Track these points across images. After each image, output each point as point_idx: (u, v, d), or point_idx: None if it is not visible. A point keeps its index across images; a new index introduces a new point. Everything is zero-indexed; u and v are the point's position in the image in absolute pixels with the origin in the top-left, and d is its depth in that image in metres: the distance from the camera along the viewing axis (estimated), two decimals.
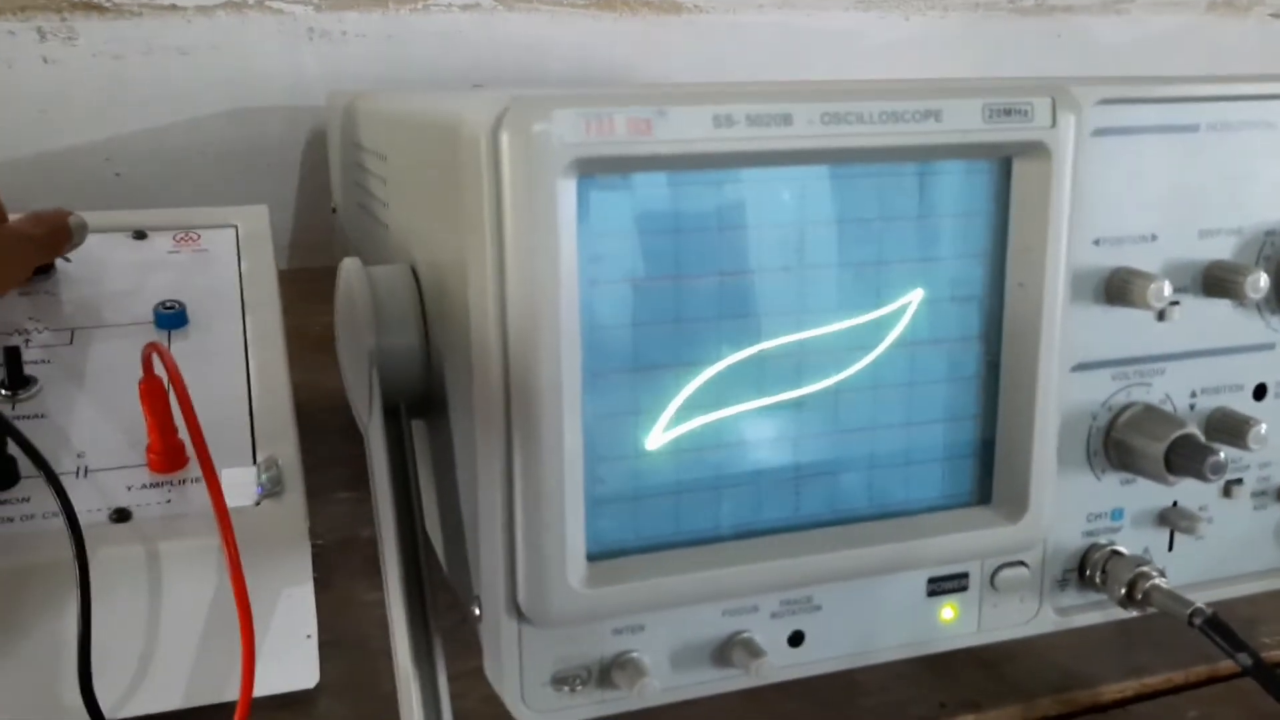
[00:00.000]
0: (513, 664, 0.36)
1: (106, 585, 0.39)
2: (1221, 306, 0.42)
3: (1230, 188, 0.41)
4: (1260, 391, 0.44)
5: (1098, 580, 0.43)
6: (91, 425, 0.45)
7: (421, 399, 0.42)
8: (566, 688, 0.36)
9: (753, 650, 0.37)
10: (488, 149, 0.32)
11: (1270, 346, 0.44)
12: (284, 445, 0.45)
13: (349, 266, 0.42)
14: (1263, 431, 0.42)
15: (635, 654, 0.37)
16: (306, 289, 0.67)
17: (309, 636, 0.43)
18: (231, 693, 0.39)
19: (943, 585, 0.41)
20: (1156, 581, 0.41)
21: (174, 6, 0.78)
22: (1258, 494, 0.45)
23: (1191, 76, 0.40)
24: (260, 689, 0.39)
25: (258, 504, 0.43)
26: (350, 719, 0.43)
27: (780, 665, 0.38)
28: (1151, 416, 0.41)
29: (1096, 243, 0.40)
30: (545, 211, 0.32)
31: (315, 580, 0.43)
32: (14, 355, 0.46)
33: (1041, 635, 0.43)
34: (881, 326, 0.37)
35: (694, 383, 0.36)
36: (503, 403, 0.33)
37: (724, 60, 0.94)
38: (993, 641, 0.42)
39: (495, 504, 0.34)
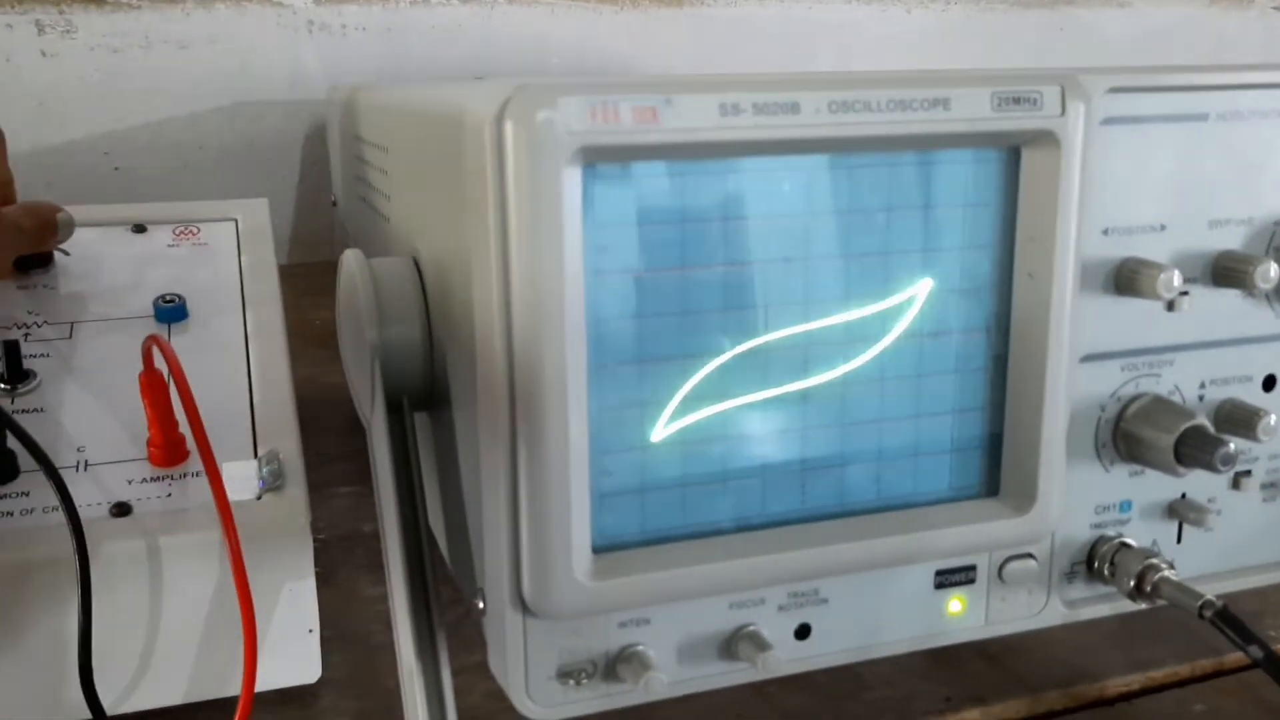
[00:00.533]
0: (517, 657, 0.35)
1: (107, 580, 0.39)
2: (1231, 297, 0.42)
3: (1240, 177, 0.41)
4: (1270, 382, 0.44)
5: (1106, 573, 0.42)
6: (91, 419, 0.45)
7: (424, 392, 0.41)
8: (572, 681, 0.36)
9: (759, 643, 0.37)
10: (491, 138, 0.32)
11: None
12: (285, 439, 0.45)
13: (351, 259, 0.41)
14: (1272, 423, 0.42)
15: (641, 647, 0.36)
16: (307, 284, 0.67)
17: (311, 631, 0.43)
18: (233, 687, 0.39)
19: (950, 578, 0.40)
20: (1166, 574, 0.41)
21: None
22: (1267, 486, 0.45)
23: (1200, 66, 0.40)
24: (262, 684, 0.39)
25: (259, 498, 0.43)
26: (353, 714, 0.43)
27: (787, 658, 0.38)
28: (1161, 408, 0.41)
29: (1105, 233, 0.39)
30: (550, 201, 0.31)
31: (317, 575, 0.43)
32: (13, 349, 0.46)
33: (1047, 629, 0.43)
34: (888, 318, 0.37)
35: (700, 374, 0.35)
36: (507, 395, 0.33)
37: (725, 53, 0.93)
38: (1001, 634, 0.42)
39: (500, 496, 0.34)
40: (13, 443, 0.41)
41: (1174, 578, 0.41)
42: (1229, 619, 0.39)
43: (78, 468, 0.43)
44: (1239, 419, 0.42)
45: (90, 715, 0.38)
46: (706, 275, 0.35)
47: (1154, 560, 0.41)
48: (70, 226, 0.51)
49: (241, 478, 0.43)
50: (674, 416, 0.35)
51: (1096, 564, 0.43)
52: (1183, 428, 0.40)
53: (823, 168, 0.35)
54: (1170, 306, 0.41)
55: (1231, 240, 0.41)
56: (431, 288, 0.41)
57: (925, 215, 0.37)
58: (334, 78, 0.80)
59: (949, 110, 0.35)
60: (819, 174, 0.35)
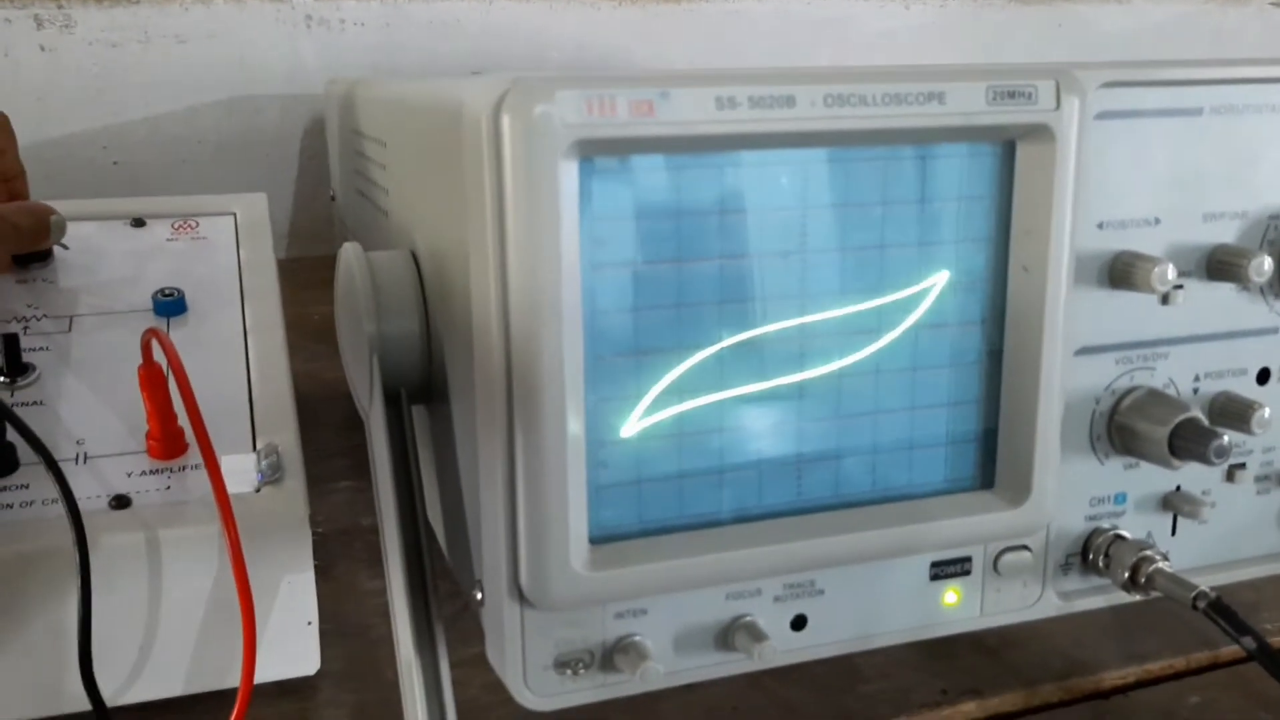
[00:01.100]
0: (515, 648, 0.36)
1: (106, 572, 0.39)
2: (1225, 290, 0.42)
3: (1234, 171, 0.41)
4: (1264, 376, 0.44)
5: (1101, 564, 0.42)
6: (90, 412, 0.45)
7: (422, 385, 0.41)
8: (569, 671, 0.36)
9: (755, 634, 0.37)
10: (489, 131, 0.32)
11: (1274, 331, 0.43)
12: (284, 432, 0.45)
13: (349, 252, 0.41)
14: (1266, 415, 0.42)
15: (638, 637, 0.37)
16: (305, 278, 0.67)
17: (310, 623, 0.43)
18: (232, 680, 0.39)
19: (945, 569, 0.41)
20: (1160, 565, 0.41)
21: None
22: (1261, 478, 0.45)
23: (1195, 60, 0.40)
24: (261, 676, 0.39)
25: (258, 490, 0.43)
26: (351, 706, 0.43)
27: (783, 649, 0.38)
28: (1155, 401, 0.41)
29: (1100, 226, 0.40)
30: (547, 194, 0.31)
31: (316, 569, 0.43)
32: (12, 342, 0.46)
33: (1043, 621, 0.43)
34: (884, 311, 0.37)
35: (697, 367, 0.35)
36: (504, 387, 0.33)
37: (723, 49, 0.93)
38: (995, 626, 0.42)
39: (497, 488, 0.34)
40: (12, 435, 0.41)
41: (1168, 569, 0.41)
42: (1222, 610, 0.39)
43: (77, 460, 0.43)
44: (1233, 412, 0.42)
45: (90, 706, 0.38)
46: (703, 268, 0.35)
47: (1148, 552, 0.42)
48: (62, 228, 0.51)
49: (240, 470, 0.43)
50: (671, 408, 0.35)
51: (1091, 556, 0.43)
52: (1177, 420, 0.40)
53: (818, 161, 0.35)
54: (1165, 300, 0.41)
55: (1226, 234, 0.41)
56: (429, 281, 0.41)
57: (920, 209, 0.37)
58: (332, 72, 0.80)
59: (944, 104, 0.35)
60: (815, 168, 0.35)
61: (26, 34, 0.76)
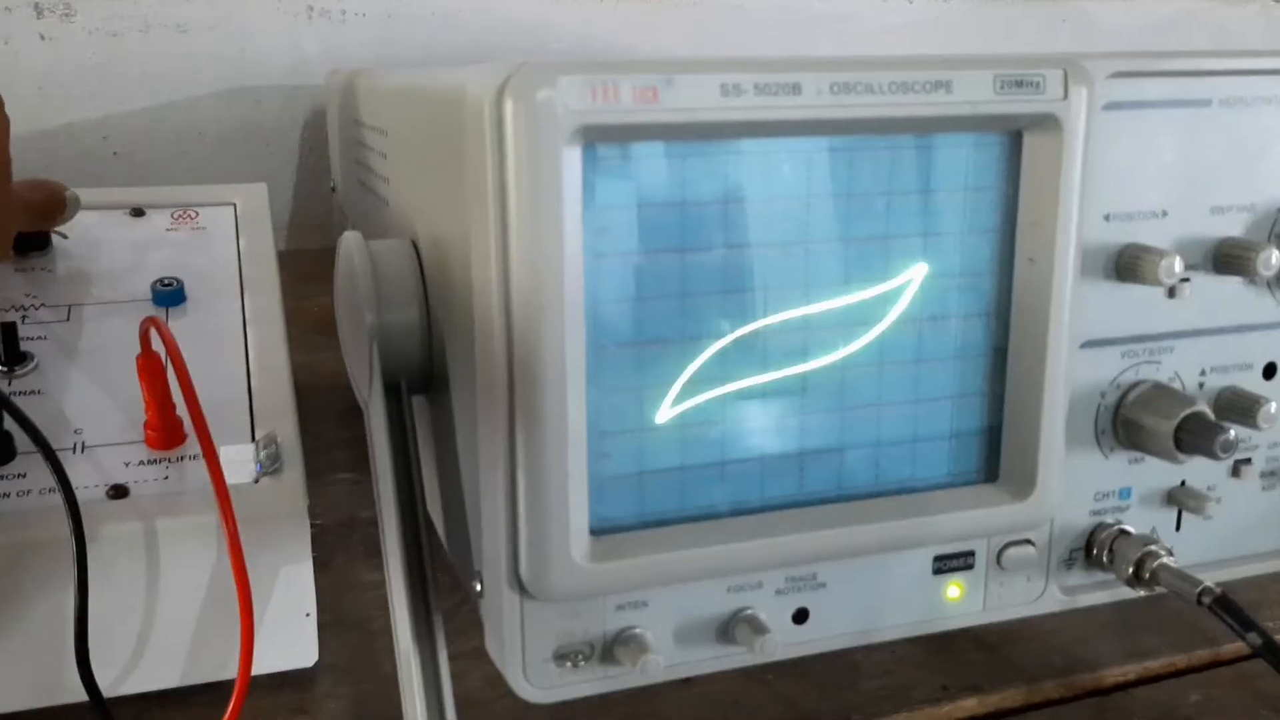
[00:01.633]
0: (514, 639, 0.35)
1: (104, 562, 0.39)
2: (1232, 284, 0.42)
3: (1242, 163, 0.41)
4: (1270, 370, 0.44)
5: (1105, 560, 0.42)
6: (88, 402, 0.45)
7: (422, 375, 0.41)
8: (569, 663, 0.36)
9: (757, 627, 0.37)
10: (491, 117, 0.31)
11: None
12: (283, 423, 0.45)
13: (350, 240, 0.41)
14: (1273, 410, 0.41)
15: (638, 630, 0.36)
16: (305, 270, 0.67)
17: (308, 615, 0.42)
18: (230, 671, 0.39)
19: (949, 564, 0.40)
20: (1165, 561, 0.41)
21: None
22: (1266, 474, 0.45)
23: (1204, 51, 0.40)
24: (259, 667, 0.39)
25: (256, 481, 0.43)
26: (350, 698, 0.43)
27: (784, 643, 0.38)
28: (1161, 395, 0.41)
29: (1107, 218, 0.39)
30: (550, 181, 0.31)
31: (314, 561, 0.43)
32: (10, 331, 0.45)
33: (1044, 618, 0.43)
34: (888, 302, 0.37)
35: (699, 357, 0.35)
36: (506, 377, 0.33)
37: (725, 43, 0.93)
38: (999, 620, 0.42)
39: (498, 479, 0.34)
40: (10, 424, 0.41)
41: (1173, 565, 0.41)
42: (1227, 606, 0.39)
43: (75, 450, 0.43)
44: (1239, 407, 0.42)
45: (87, 697, 0.38)
46: (706, 258, 0.35)
47: (1153, 547, 0.41)
48: (77, 204, 0.51)
49: (239, 461, 0.42)
50: (674, 399, 0.35)
51: (1095, 551, 0.43)
52: (1183, 414, 0.40)
53: (824, 151, 0.35)
54: (1171, 293, 0.41)
55: (1233, 227, 0.41)
56: (430, 270, 0.40)
57: (926, 199, 0.37)
58: (333, 64, 0.80)
59: (951, 93, 0.34)
60: (820, 157, 0.35)
61: (26, 22, 0.76)
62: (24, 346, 0.46)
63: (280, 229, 0.82)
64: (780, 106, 0.33)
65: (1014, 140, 0.37)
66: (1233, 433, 0.39)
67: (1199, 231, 0.41)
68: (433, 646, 0.38)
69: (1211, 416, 0.40)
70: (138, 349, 0.43)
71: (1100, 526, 0.43)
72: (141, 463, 0.43)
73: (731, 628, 0.38)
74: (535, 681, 0.36)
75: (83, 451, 0.43)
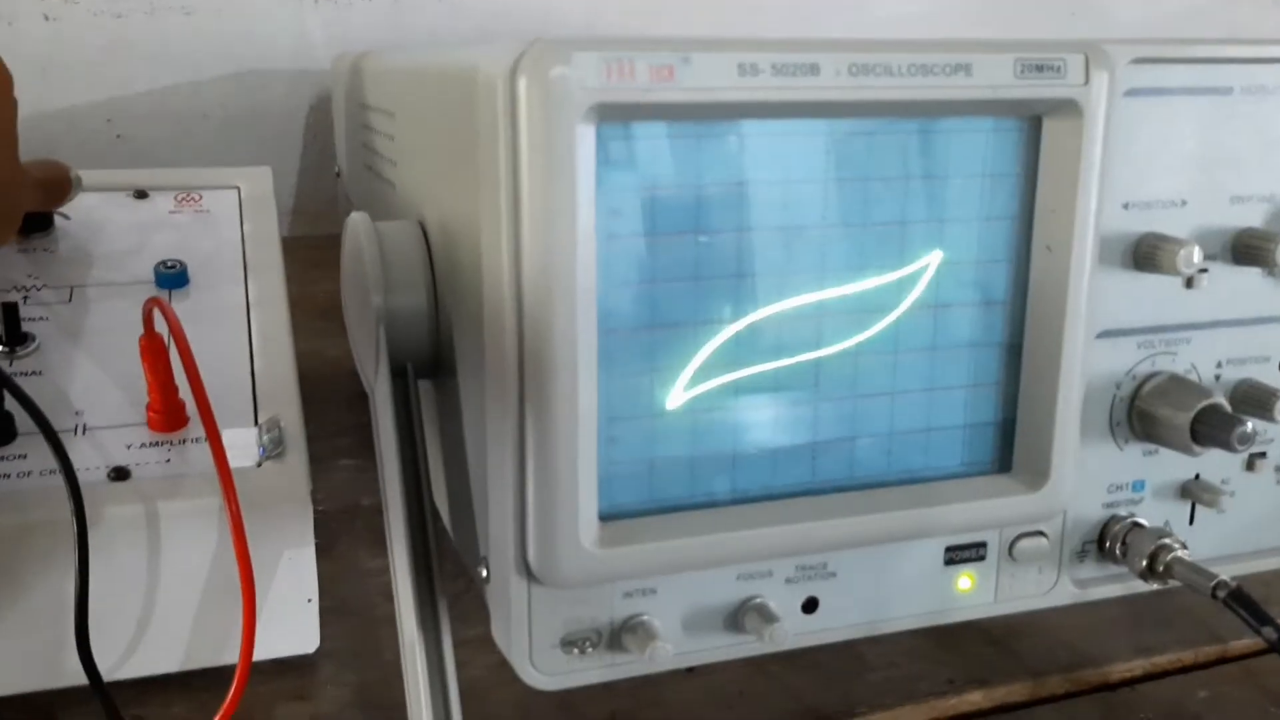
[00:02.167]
0: (521, 625, 0.35)
1: (105, 544, 0.39)
2: (1251, 275, 0.41)
3: (1263, 153, 0.40)
4: None
5: (1118, 552, 0.42)
6: (90, 383, 0.44)
7: (429, 359, 0.41)
8: (576, 650, 0.36)
9: (766, 616, 0.37)
10: (505, 94, 0.31)
11: None
12: (286, 407, 0.45)
13: (357, 221, 0.41)
14: None
15: (646, 617, 0.36)
16: (309, 256, 0.67)
17: (310, 600, 0.42)
18: (230, 656, 0.38)
19: (960, 554, 0.40)
20: (1179, 554, 0.40)
21: None
22: None
23: (1227, 38, 0.39)
24: (260, 653, 0.39)
25: (259, 465, 0.42)
26: (352, 685, 0.42)
27: (793, 632, 0.37)
28: (1177, 386, 0.40)
29: (1125, 206, 0.39)
30: (563, 160, 0.31)
31: (317, 548, 0.42)
32: (12, 311, 0.45)
33: (1051, 612, 0.43)
34: (904, 288, 0.37)
35: (711, 342, 0.35)
36: (516, 360, 0.33)
37: (736, 32, 0.93)
38: (1010, 613, 0.42)
39: (506, 463, 0.33)
40: (11, 405, 0.40)
41: (1187, 558, 0.40)
42: (1243, 600, 0.39)
43: (76, 431, 0.42)
44: (1256, 399, 0.42)
45: (87, 680, 0.38)
46: (720, 241, 0.34)
47: (1166, 540, 0.41)
48: (79, 185, 0.51)
49: (242, 444, 0.42)
50: (685, 385, 0.35)
51: (1108, 543, 0.42)
52: (1199, 406, 0.39)
53: (841, 134, 0.35)
54: (1189, 284, 0.40)
55: (1253, 217, 0.41)
56: (438, 253, 0.40)
57: (944, 185, 0.36)
58: (339, 48, 0.79)
59: (971, 76, 0.34)
60: (837, 140, 0.35)
61: (31, 3, 0.75)
62: (25, 327, 0.46)
63: (284, 214, 0.81)
64: (798, 87, 0.32)
65: (1033, 126, 0.36)
66: (1250, 425, 0.39)
67: (1218, 221, 0.40)
68: (437, 633, 0.37)
69: (1228, 409, 0.40)
70: (140, 331, 0.42)
71: (1114, 519, 0.42)
72: (143, 445, 0.42)
73: (740, 616, 0.37)
74: (542, 668, 0.36)
75: (84, 433, 0.42)
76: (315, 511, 0.42)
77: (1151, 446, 0.42)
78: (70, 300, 0.48)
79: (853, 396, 0.37)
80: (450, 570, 0.41)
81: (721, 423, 0.35)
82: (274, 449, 0.43)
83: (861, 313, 0.36)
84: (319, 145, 0.83)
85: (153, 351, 0.42)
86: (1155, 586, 0.42)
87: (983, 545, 0.40)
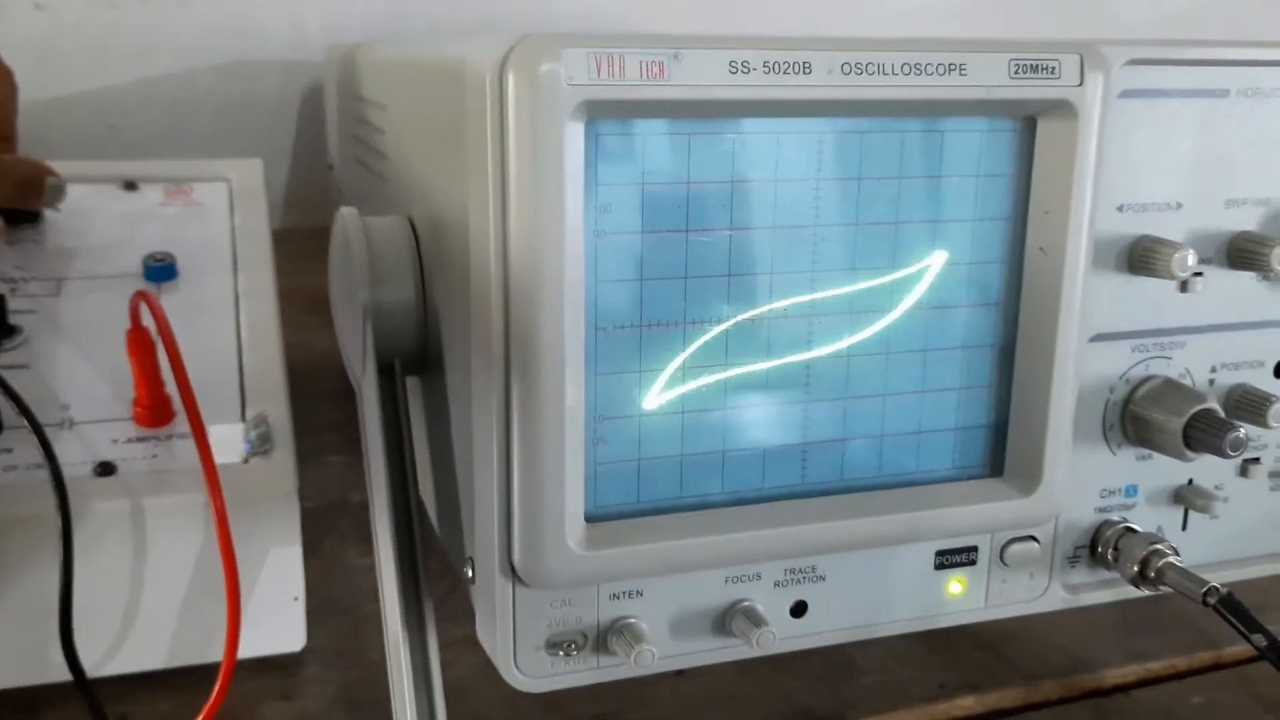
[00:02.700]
0: (506, 627, 0.35)
1: (90, 540, 0.39)
2: (1245, 279, 0.41)
3: (1259, 156, 0.40)
4: None
5: (1110, 558, 0.42)
6: (77, 377, 0.44)
7: (417, 355, 0.40)
8: (561, 652, 0.35)
9: (754, 619, 0.36)
10: (493, 89, 0.31)
11: None
12: (274, 403, 0.44)
13: (346, 216, 0.40)
14: None
15: (633, 620, 0.36)
16: (299, 248, 0.66)
17: (296, 599, 0.42)
18: (215, 654, 0.38)
19: (951, 559, 0.40)
20: (1170, 560, 0.40)
21: None
22: (1275, 474, 0.44)
23: (1223, 40, 0.39)
24: (245, 651, 0.39)
25: (246, 461, 0.42)
26: (337, 684, 0.42)
27: (782, 636, 0.37)
28: (1171, 390, 0.40)
29: (1120, 209, 0.39)
30: (552, 156, 0.30)
31: (304, 545, 0.42)
32: None
33: (1043, 618, 0.42)
34: (895, 290, 0.36)
35: (700, 342, 0.34)
36: (502, 358, 0.32)
37: (737, 25, 0.92)
38: (1000, 618, 0.41)
39: (492, 462, 0.33)
40: None
41: (1179, 564, 0.40)
42: (1233, 607, 0.38)
43: (62, 425, 0.42)
44: (1249, 404, 0.41)
45: (70, 677, 0.37)
46: (710, 240, 0.34)
47: (1159, 546, 0.41)
48: (59, 192, 0.50)
49: (228, 440, 0.42)
50: (674, 384, 0.34)
51: (1100, 548, 0.42)
52: (1193, 411, 0.39)
53: (833, 133, 0.34)
54: (1183, 287, 0.40)
55: (1248, 221, 0.40)
56: (427, 248, 0.40)
57: (937, 185, 0.36)
58: (333, 39, 0.79)
59: (965, 76, 0.33)
60: (829, 139, 0.34)
61: None
62: (12, 320, 0.45)
63: (275, 206, 0.81)
64: (790, 86, 0.32)
65: (1028, 126, 0.36)
66: (1243, 431, 0.39)
67: (1213, 225, 0.40)
68: (423, 633, 0.37)
69: (1221, 414, 0.39)
70: (128, 325, 0.42)
71: (1106, 524, 0.42)
72: (130, 440, 0.42)
73: (728, 619, 0.37)
74: (526, 670, 0.35)
75: (70, 428, 0.42)
76: (302, 508, 0.42)
77: (1145, 451, 0.42)
78: (58, 293, 0.48)
79: (844, 398, 0.36)
80: (437, 569, 0.41)
81: (711, 423, 0.35)
82: (261, 445, 0.42)
83: (854, 314, 0.36)
84: (311, 137, 0.83)
85: (140, 345, 0.42)
86: (1147, 592, 0.41)
87: (974, 549, 0.40)
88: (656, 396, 0.34)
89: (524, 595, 0.35)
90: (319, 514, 0.52)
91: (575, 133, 0.31)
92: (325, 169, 0.76)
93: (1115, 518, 0.42)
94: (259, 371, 0.46)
